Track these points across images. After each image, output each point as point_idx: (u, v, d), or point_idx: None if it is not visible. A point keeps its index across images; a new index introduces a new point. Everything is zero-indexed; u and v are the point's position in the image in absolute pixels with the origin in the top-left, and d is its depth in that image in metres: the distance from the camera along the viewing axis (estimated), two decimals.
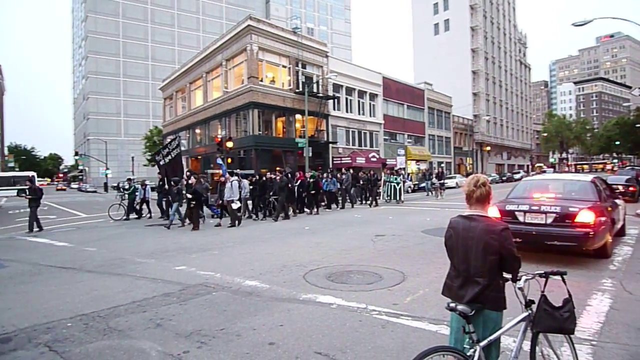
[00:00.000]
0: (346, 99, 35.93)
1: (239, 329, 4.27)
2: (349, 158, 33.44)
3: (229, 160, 23.71)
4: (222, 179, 15.70)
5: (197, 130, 36.73)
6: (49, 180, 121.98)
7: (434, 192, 26.39)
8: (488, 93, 65.71)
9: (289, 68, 30.84)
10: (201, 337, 4.07)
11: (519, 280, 2.58)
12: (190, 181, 13.64)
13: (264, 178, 16.68)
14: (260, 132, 28.72)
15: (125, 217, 17.48)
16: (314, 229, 12.43)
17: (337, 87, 34.51)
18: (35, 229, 13.80)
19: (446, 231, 2.75)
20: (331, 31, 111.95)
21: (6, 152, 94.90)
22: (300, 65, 31.51)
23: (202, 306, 5.11)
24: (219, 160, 18.82)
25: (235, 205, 13.84)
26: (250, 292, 5.70)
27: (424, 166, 45.24)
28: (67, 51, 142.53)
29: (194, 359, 3.60)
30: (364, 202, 22.00)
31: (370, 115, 38.92)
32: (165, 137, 45.16)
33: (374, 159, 34.58)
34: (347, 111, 35.95)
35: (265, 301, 5.26)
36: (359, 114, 37.48)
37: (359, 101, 37.42)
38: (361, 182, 22.22)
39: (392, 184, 22.22)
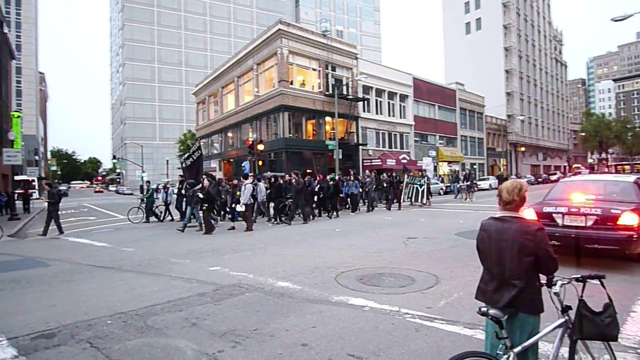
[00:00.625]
0: (376, 100, 35.76)
1: (272, 330, 4.30)
2: (379, 160, 33.22)
3: (260, 162, 24.06)
4: (235, 181, 15.59)
5: (229, 134, 37.36)
6: (89, 183, 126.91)
7: (462, 195, 25.61)
8: (522, 92, 63.89)
9: (319, 71, 30.97)
10: (235, 337, 4.12)
11: (555, 285, 2.49)
12: (204, 184, 13.23)
13: (280, 181, 16.44)
14: (291, 135, 28.95)
15: (144, 220, 17.48)
16: (345, 231, 12.40)
17: (367, 89, 34.39)
18: (56, 233, 13.72)
19: (478, 234, 2.69)
20: (360, 33, 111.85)
21: (49, 156, 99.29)
22: (330, 67, 31.60)
23: (235, 306, 5.18)
24: (245, 164, 19.10)
25: (239, 208, 13.56)
26: (283, 293, 5.74)
27: (456, 167, 44.43)
28: (106, 59, 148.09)
29: (228, 358, 3.65)
30: (385, 203, 21.24)
31: (401, 117, 38.56)
32: (197, 140, 46.17)
33: (405, 161, 34.21)
34: (377, 113, 35.76)
35: (298, 302, 5.28)
36: (389, 115, 37.21)
37: (389, 102, 37.15)
38: (384, 185, 21.56)
39: (415, 185, 21.46)
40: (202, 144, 18.94)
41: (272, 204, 16.33)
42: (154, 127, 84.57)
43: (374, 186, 20.27)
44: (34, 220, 22.53)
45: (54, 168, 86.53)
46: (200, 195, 12.91)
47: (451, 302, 5.15)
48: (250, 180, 14.34)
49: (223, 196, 16.07)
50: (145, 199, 18.30)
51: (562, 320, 2.52)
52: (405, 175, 21.98)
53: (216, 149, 40.86)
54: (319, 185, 17.30)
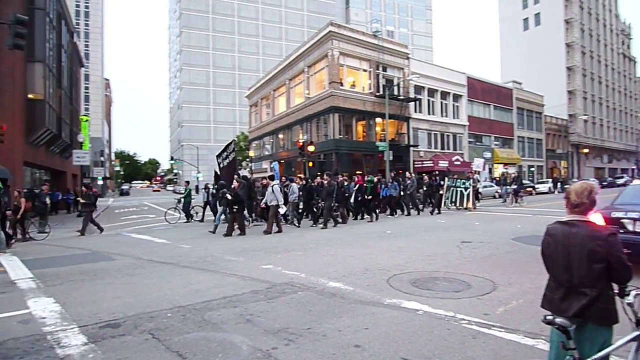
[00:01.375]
0: (428, 100, 35.04)
1: (324, 330, 4.32)
2: (431, 162, 32.49)
3: (310, 164, 24.29)
4: (264, 181, 15.21)
5: (280, 135, 37.99)
6: (148, 182, 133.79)
7: (510, 199, 23.58)
8: (585, 90, 60.13)
9: (370, 72, 30.81)
10: (288, 335, 4.17)
11: (628, 294, 2.30)
12: (233, 185, 12.91)
13: (311, 183, 16.02)
14: (341, 136, 28.98)
15: (185, 221, 17.40)
16: (396, 233, 12.24)
17: (418, 89, 33.79)
18: (96, 232, 14.20)
19: (543, 239, 2.55)
20: (412, 33, 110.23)
21: (113, 157, 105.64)
22: (380, 68, 31.36)
23: (288, 305, 5.25)
24: (274, 165, 19.05)
25: (282, 210, 13.33)
26: (335, 293, 5.75)
27: (512, 170, 42.62)
28: (165, 65, 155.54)
29: (282, 355, 3.70)
30: (426, 208, 20.16)
31: (454, 117, 37.53)
32: (250, 142, 47.35)
33: (458, 163, 33.26)
34: (429, 113, 35.03)
35: (350, 303, 5.27)
36: (442, 115, 36.31)
37: (441, 103, 36.27)
38: (424, 188, 20.56)
39: (459, 189, 20.25)
40: (235, 141, 18.72)
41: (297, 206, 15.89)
42: (208, 130, 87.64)
43: (415, 189, 19.22)
44: (100, 217, 24.02)
45: (117, 168, 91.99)
46: (229, 197, 12.65)
47: (510, 309, 4.93)
48: (276, 181, 14.07)
49: (259, 197, 15.60)
50: (182, 200, 18.10)
51: (636, 333, 2.35)
52: (446, 178, 20.87)
53: (267, 150, 41.67)
54: (356, 187, 16.81)
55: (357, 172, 23.45)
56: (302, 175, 18.82)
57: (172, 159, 74.36)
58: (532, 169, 48.18)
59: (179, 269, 7.74)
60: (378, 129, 31.26)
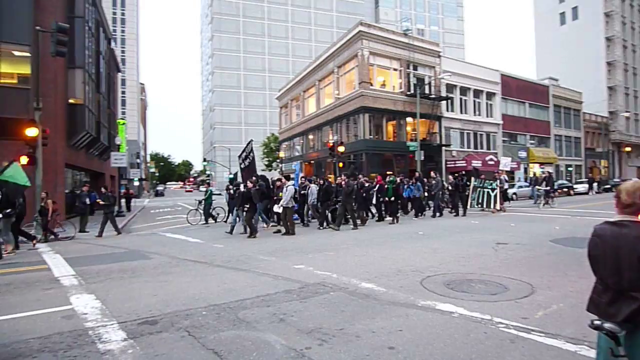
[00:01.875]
0: (460, 99, 34.39)
1: (357, 330, 4.29)
2: (464, 161, 31.85)
3: (340, 164, 24.24)
4: (278, 182, 14.88)
5: (310, 136, 38.13)
6: (182, 183, 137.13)
7: (541, 200, 21.96)
8: (627, 86, 57.43)
9: (400, 71, 30.52)
10: (322, 335, 4.17)
11: None
12: (248, 185, 12.88)
13: (328, 183, 15.53)
14: (371, 137, 28.82)
15: (204, 223, 17.37)
16: (428, 234, 12.05)
17: (450, 88, 33.22)
18: (112, 233, 14.28)
19: (590, 240, 2.44)
20: (443, 30, 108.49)
21: (148, 159, 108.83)
22: (411, 67, 31.01)
23: (321, 305, 5.25)
24: (295, 165, 18.90)
25: (276, 208, 13.21)
26: (367, 294, 5.71)
27: (549, 169, 41.23)
28: (197, 69, 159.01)
29: (315, 355, 3.70)
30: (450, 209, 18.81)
31: (487, 116, 36.67)
32: (281, 143, 47.72)
33: (492, 162, 32.47)
34: (461, 112, 34.38)
35: (383, 305, 5.22)
36: (475, 114, 35.55)
37: (474, 101, 35.51)
38: (449, 188, 19.33)
39: (486, 189, 19.07)
40: (253, 142, 18.62)
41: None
42: (240, 131, 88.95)
43: (440, 190, 18.13)
44: (136, 217, 24.79)
45: (152, 170, 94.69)
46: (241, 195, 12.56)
47: (550, 313, 4.76)
48: (292, 182, 13.78)
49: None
50: (203, 201, 17.98)
51: None
52: (473, 179, 19.64)
53: (297, 151, 41.91)
54: (377, 187, 16.25)
55: (388, 173, 23.27)
56: (331, 176, 18.69)
57: (204, 160, 75.99)
58: (569, 169, 46.47)
59: (212, 268, 7.88)
60: (409, 128, 30.91)
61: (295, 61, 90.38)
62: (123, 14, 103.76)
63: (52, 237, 13.31)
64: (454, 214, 17.61)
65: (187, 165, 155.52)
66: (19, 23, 18.16)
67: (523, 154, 38.69)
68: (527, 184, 31.03)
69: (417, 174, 19.84)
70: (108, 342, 4.13)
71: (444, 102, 32.23)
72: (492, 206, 18.71)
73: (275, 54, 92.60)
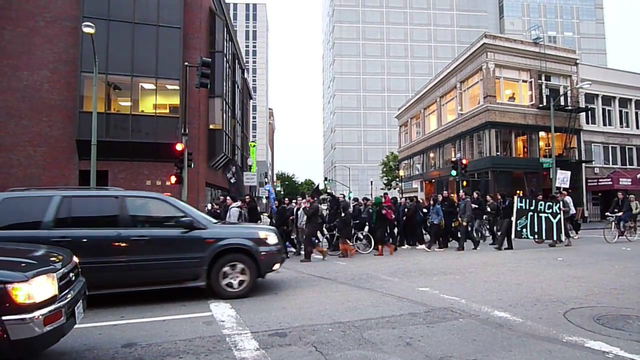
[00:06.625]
0: (603, 109, 30.49)
1: None
2: (609, 179, 28.02)
3: (464, 183, 23.06)
4: (276, 202, 14.14)
5: (431, 154, 37.11)
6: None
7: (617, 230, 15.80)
8: None
9: (530, 82, 28.26)
10: None
11: None
12: (226, 202, 12.46)
13: (286, 205, 14.14)
14: (498, 153, 26.99)
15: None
16: (569, 260, 10.72)
17: (590, 98, 29.70)
18: None
19: None
20: (578, 36, 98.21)
21: (275, 178, 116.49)
22: (543, 77, 28.51)
23: (449, 331, 4.96)
24: (267, 186, 18.68)
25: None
26: (501, 324, 5.24)
27: None
28: (319, 92, 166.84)
29: None
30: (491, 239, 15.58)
31: (637, 128, 31.80)
32: (400, 162, 47.27)
33: None
34: (604, 124, 30.43)
35: (520, 337, 4.73)
36: (622, 126, 31.13)
37: (620, 111, 31.15)
38: (487, 210, 15.62)
39: (542, 215, 13.99)
40: (237, 165, 19.14)
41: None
42: (359, 151, 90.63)
43: (469, 214, 13.79)
44: None
45: (278, 188, 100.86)
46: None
47: None
48: (237, 203, 12.17)
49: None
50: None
51: None
52: (515, 198, 14.00)
53: (417, 169, 41.03)
54: (365, 209, 14.34)
55: (517, 192, 21.41)
56: (447, 193, 16.31)
57: (325, 179, 78.95)
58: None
59: (336, 285, 8.00)
60: (542, 143, 28.28)
61: (414, 79, 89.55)
62: (254, 46, 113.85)
63: None
64: (496, 246, 13.89)
65: (309, 184, 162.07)
66: (172, 61, 21.14)
67: None
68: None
69: (442, 195, 14.88)
70: (243, 350, 4.40)
71: (583, 114, 28.93)
72: (554, 237, 14.03)
73: (394, 73, 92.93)
